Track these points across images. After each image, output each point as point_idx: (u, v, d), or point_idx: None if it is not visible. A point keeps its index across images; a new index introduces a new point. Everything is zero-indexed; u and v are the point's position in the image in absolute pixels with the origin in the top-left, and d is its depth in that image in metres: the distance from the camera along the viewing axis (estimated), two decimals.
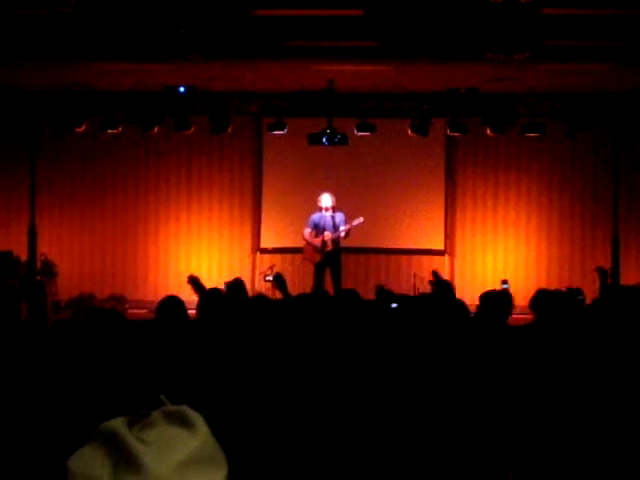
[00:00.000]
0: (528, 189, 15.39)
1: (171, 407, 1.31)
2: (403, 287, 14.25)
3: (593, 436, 3.85)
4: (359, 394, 4.14)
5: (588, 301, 6.85)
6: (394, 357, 4.81)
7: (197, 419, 1.31)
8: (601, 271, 8.84)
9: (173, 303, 5.84)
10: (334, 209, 13.68)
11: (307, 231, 13.78)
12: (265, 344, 4.98)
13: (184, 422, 1.29)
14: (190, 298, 7.37)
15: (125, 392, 4.02)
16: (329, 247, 13.57)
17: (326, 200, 13.66)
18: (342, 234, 13.58)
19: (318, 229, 13.65)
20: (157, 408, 1.31)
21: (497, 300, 5.93)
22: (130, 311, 14.07)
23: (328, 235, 13.54)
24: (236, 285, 7.53)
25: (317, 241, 13.63)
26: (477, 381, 4.50)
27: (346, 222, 13.61)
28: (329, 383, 4.25)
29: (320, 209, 13.70)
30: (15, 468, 3.32)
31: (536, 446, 3.71)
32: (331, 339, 5.13)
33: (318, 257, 13.65)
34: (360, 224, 13.59)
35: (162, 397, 1.33)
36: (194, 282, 7.71)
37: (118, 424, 1.28)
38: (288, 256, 15.12)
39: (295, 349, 4.85)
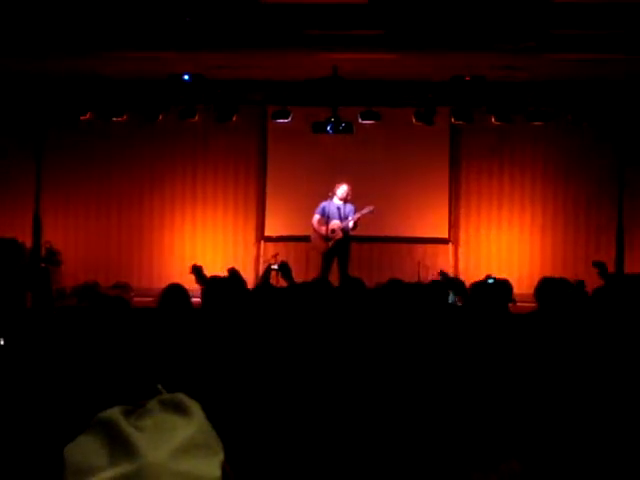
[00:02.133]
0: (532, 178, 15.36)
1: (167, 395, 1.32)
2: (408, 275, 14.24)
3: (598, 424, 3.86)
4: (361, 382, 4.15)
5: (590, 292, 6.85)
6: (395, 346, 4.82)
7: (193, 406, 1.32)
8: (598, 264, 8.81)
9: (176, 291, 5.84)
10: (345, 201, 13.63)
11: (316, 217, 13.73)
12: (267, 332, 4.99)
13: (180, 409, 1.31)
14: (194, 286, 7.41)
15: (129, 380, 4.03)
16: (339, 235, 13.54)
17: (341, 190, 13.60)
18: (350, 224, 13.55)
19: (325, 216, 13.63)
20: (154, 397, 1.32)
21: (487, 291, 5.92)
22: (135, 299, 14.08)
23: (335, 224, 13.52)
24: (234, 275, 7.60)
25: (324, 229, 13.60)
26: (480, 370, 4.51)
27: (355, 213, 13.56)
28: (331, 371, 4.26)
29: (331, 197, 13.62)
30: (13, 456, 3.34)
31: (542, 435, 3.72)
32: (334, 327, 5.14)
33: (325, 246, 13.63)
34: (370, 212, 13.54)
35: (159, 386, 1.35)
36: (197, 272, 7.75)
37: (114, 413, 1.29)
38: (292, 244, 15.12)
39: (297, 337, 4.86)
